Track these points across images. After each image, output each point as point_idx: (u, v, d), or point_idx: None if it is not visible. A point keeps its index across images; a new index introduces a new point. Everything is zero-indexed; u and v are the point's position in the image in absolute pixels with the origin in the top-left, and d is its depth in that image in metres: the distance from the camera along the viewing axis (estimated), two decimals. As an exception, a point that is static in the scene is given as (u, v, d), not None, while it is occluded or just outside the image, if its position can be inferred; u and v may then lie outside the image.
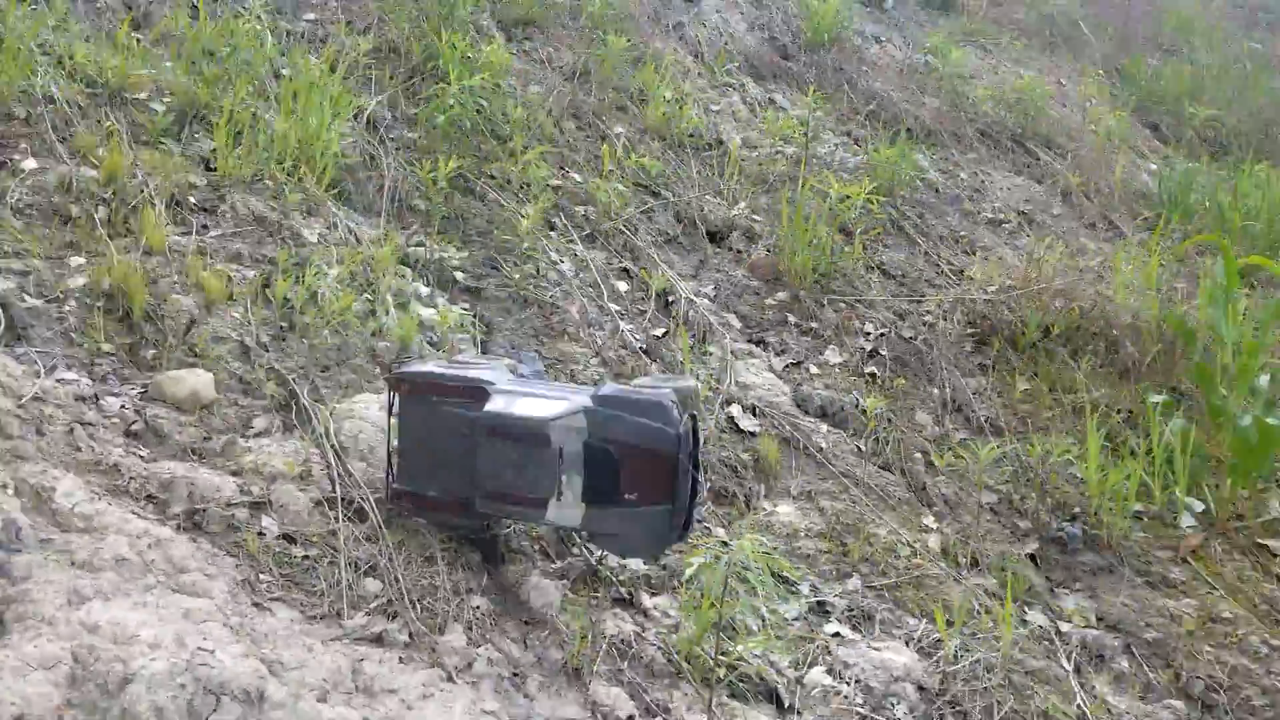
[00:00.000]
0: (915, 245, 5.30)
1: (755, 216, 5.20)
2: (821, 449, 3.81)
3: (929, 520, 3.59)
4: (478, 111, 4.60)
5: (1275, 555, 3.63)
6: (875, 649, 2.91)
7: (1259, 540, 3.65)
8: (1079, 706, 2.83)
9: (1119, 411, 4.06)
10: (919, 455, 3.90)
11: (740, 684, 2.66)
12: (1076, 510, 3.66)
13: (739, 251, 5.01)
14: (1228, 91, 7.44)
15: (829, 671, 2.80)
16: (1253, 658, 3.19)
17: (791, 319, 4.59)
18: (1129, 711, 2.93)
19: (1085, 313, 4.45)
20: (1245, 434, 3.65)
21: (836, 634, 2.96)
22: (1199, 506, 3.68)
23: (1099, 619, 3.28)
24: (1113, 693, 2.99)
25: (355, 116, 4.40)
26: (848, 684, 2.75)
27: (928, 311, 4.75)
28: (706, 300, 4.52)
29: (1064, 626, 3.21)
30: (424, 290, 3.79)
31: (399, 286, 3.69)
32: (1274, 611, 3.41)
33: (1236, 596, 3.44)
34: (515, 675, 2.53)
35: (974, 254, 5.26)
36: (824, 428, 3.97)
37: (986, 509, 3.67)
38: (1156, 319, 4.28)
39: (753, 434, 3.81)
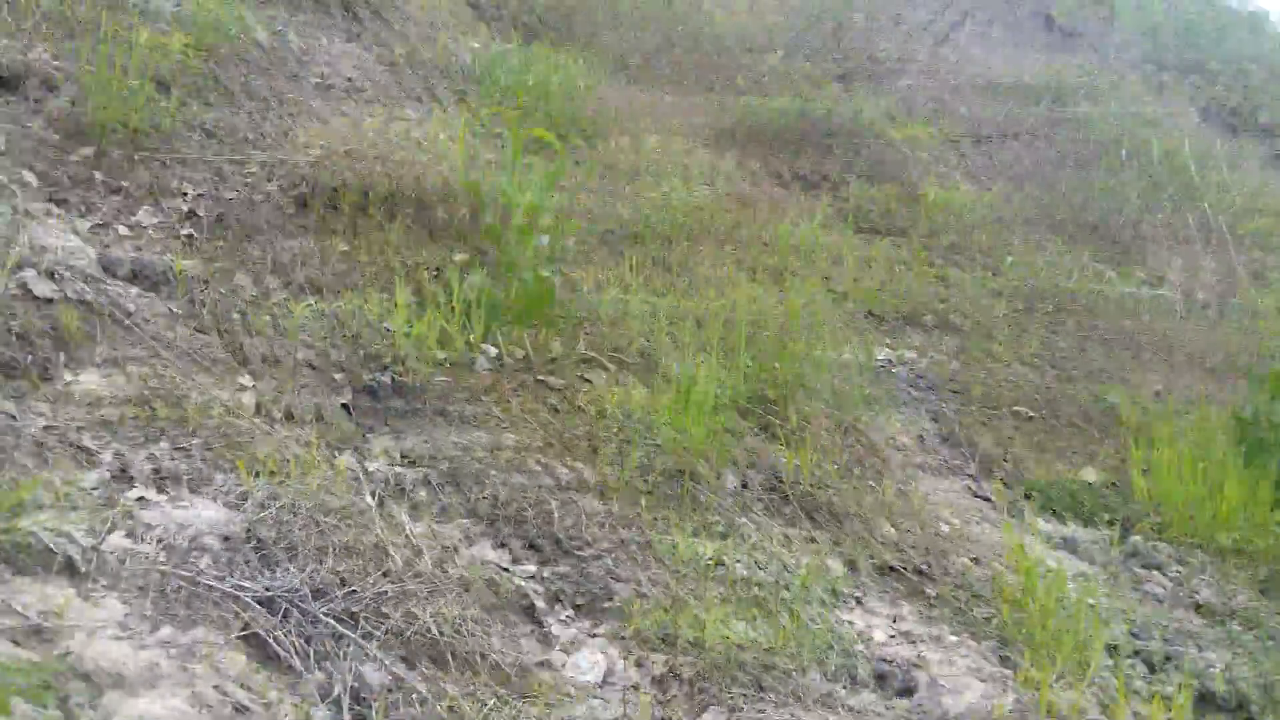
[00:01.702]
0: (240, 105, 5.19)
1: (57, 63, 4.72)
2: (131, 314, 3.67)
3: (245, 379, 3.65)
4: None
5: (553, 389, 4.27)
6: (181, 507, 2.95)
7: (539, 378, 4.26)
8: (378, 534, 3.14)
9: (428, 269, 4.42)
10: (237, 316, 3.92)
11: (25, 558, 2.55)
12: (387, 361, 3.95)
13: (36, 101, 4.53)
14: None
15: (129, 535, 2.78)
16: (529, 476, 3.76)
17: (99, 177, 4.29)
18: (424, 534, 3.31)
19: (401, 177, 4.72)
20: (527, 286, 4.19)
21: (140, 498, 2.94)
22: (493, 351, 4.18)
23: (403, 456, 3.63)
24: (411, 520, 3.35)
25: None
26: (149, 544, 2.77)
27: (251, 173, 4.71)
28: (-7, 154, 4.05)
29: (371, 466, 3.50)
30: None
31: None
32: (549, 437, 4.03)
33: (520, 427, 3.99)
34: None
35: (300, 118, 5.29)
36: (134, 292, 3.82)
37: (303, 364, 3.83)
38: (463, 184, 4.69)
39: (50, 300, 3.55)
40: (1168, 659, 3.93)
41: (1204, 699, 3.83)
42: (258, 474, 3.12)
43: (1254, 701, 3.77)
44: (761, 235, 6.04)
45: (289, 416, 3.57)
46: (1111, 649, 3.83)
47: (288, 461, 3.29)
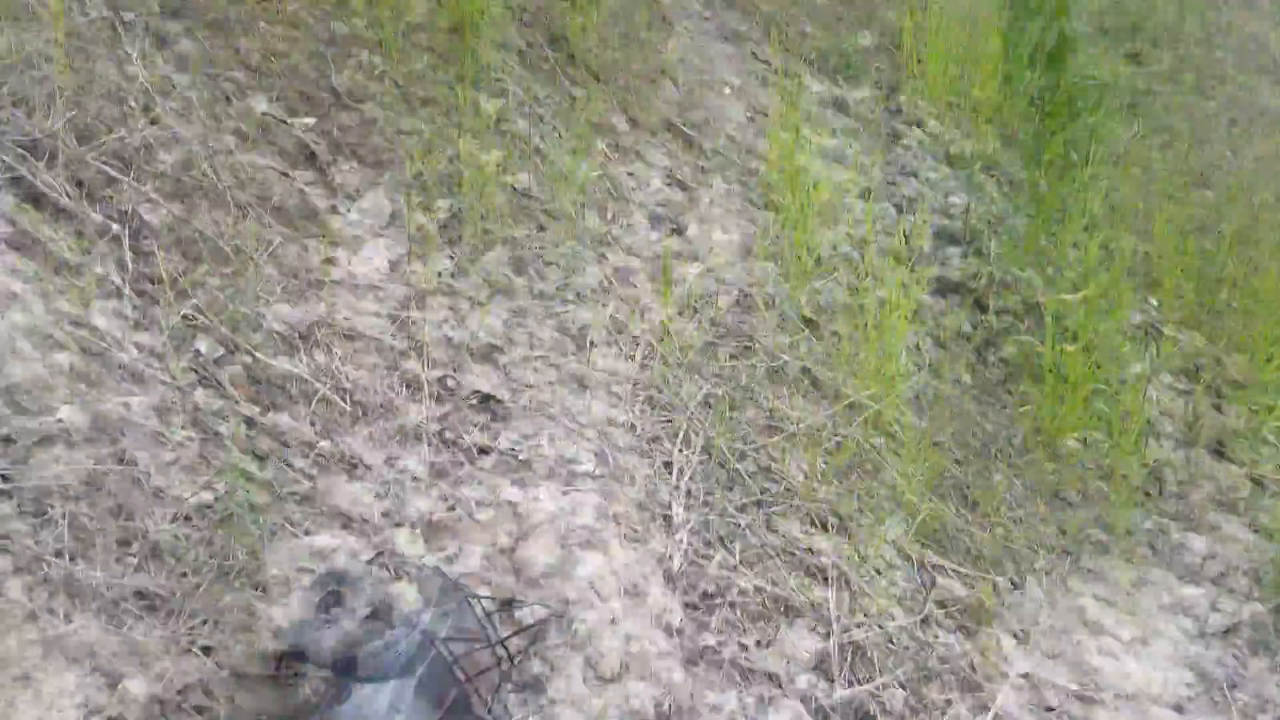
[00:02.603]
0: None
1: None
2: None
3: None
4: None
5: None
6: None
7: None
8: (142, 82, 3.03)
9: None
10: None
11: None
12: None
13: None
14: None
15: None
16: (302, 29, 3.64)
17: None
18: (192, 85, 3.21)
19: None
20: None
21: None
22: (252, -103, 3.85)
23: (162, 8, 3.42)
24: (176, 71, 3.23)
25: None
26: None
27: None
28: None
29: (128, 16, 3.30)
30: None
31: None
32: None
33: (289, -21, 3.79)
34: None
35: None
36: None
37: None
38: None
39: None
40: (915, 202, 4.35)
41: (942, 234, 4.30)
42: (-3, 18, 2.92)
43: (983, 233, 4.26)
44: None
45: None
46: (866, 193, 4.20)
47: (33, 8, 3.06)
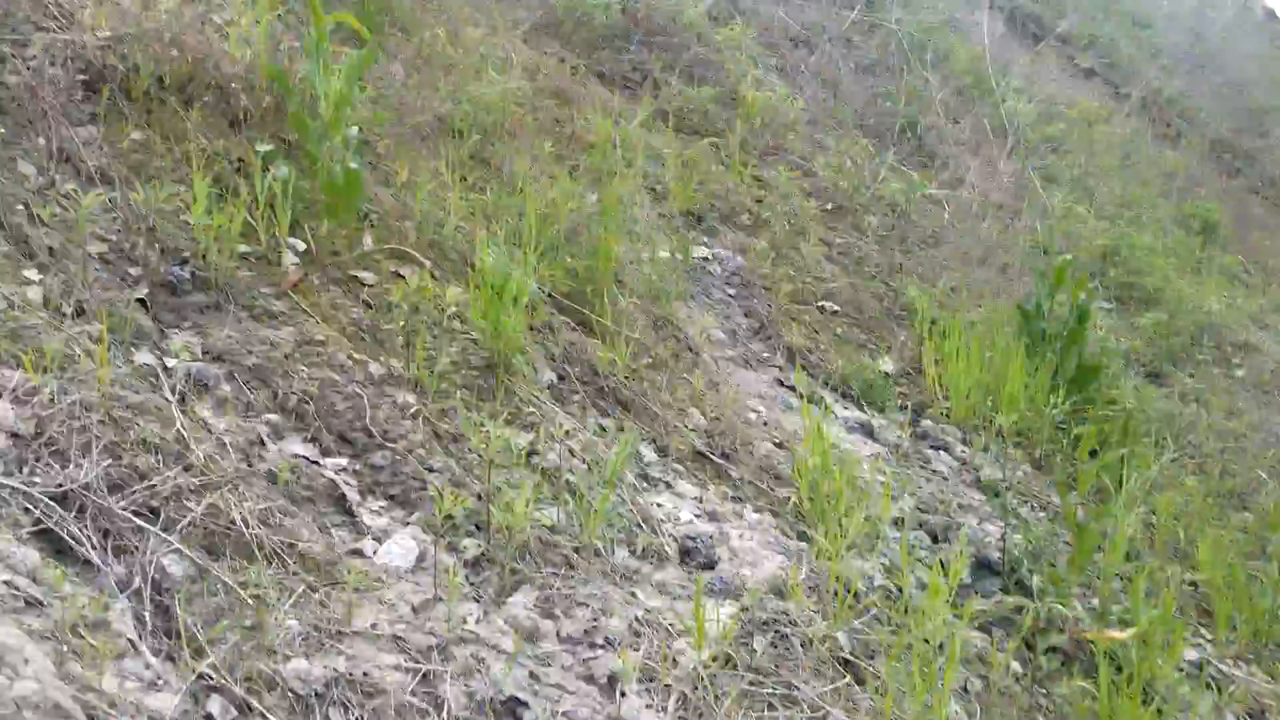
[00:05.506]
0: (17, -19, 4.80)
1: None
2: (-103, 203, 3.42)
3: (31, 273, 3.47)
4: None
5: (365, 285, 4.22)
6: (-39, 404, 2.82)
7: (351, 272, 4.20)
8: (178, 429, 3.07)
9: (230, 160, 4.26)
10: (21, 208, 3.70)
11: None
12: (187, 254, 3.82)
13: None
14: None
15: (-97, 432, 2.65)
16: (339, 371, 3.73)
17: None
18: (228, 429, 3.26)
19: (199, 63, 4.49)
20: (337, 179, 4.10)
21: (-85, 394, 2.79)
22: (301, 246, 4.08)
23: (205, 352, 3.54)
24: (214, 415, 3.29)
25: None
26: (-74, 442, 2.64)
27: (32, 56, 4.39)
28: None
29: (170, 362, 3.41)
30: None
31: None
32: (360, 333, 4.00)
33: (330, 322, 3.94)
34: None
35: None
36: (-98, 180, 3.55)
37: (95, 258, 3.66)
38: (265, 71, 4.50)
39: None
40: (949, 530, 4.27)
41: (980, 565, 4.19)
42: (45, 369, 3.00)
43: (1024, 565, 4.15)
44: (582, 133, 6.04)
45: (80, 312, 3.42)
46: (898, 522, 4.13)
47: (79, 357, 3.16)
